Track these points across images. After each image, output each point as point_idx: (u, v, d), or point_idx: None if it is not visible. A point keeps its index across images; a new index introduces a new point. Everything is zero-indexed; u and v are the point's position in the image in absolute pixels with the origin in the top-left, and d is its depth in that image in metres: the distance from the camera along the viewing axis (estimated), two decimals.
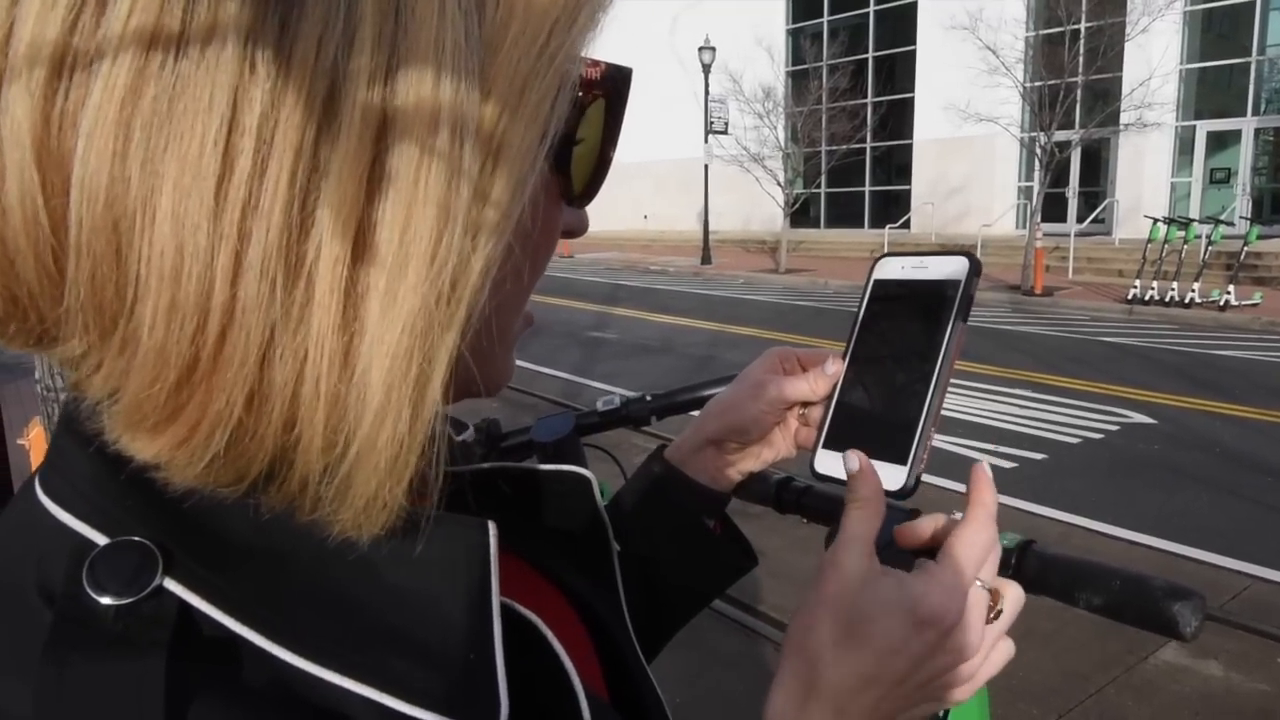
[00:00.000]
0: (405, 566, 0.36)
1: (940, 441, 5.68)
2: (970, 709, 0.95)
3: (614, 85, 0.41)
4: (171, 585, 0.32)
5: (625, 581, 0.59)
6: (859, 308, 0.63)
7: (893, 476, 0.56)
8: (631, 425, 1.31)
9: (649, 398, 1.28)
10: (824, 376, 0.63)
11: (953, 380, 0.58)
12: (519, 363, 0.48)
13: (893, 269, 0.62)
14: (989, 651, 0.53)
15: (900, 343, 0.60)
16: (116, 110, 0.29)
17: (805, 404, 0.65)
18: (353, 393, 0.32)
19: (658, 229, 26.97)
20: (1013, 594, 0.54)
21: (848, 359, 0.62)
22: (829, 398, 0.63)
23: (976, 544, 0.52)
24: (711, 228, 20.06)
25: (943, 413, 0.58)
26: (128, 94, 0.29)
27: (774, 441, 0.69)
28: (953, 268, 0.58)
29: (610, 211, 28.99)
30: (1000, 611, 0.54)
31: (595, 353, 9.24)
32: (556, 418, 1.27)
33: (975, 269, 0.57)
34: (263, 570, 0.34)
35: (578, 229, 0.46)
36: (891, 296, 0.61)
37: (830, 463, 0.60)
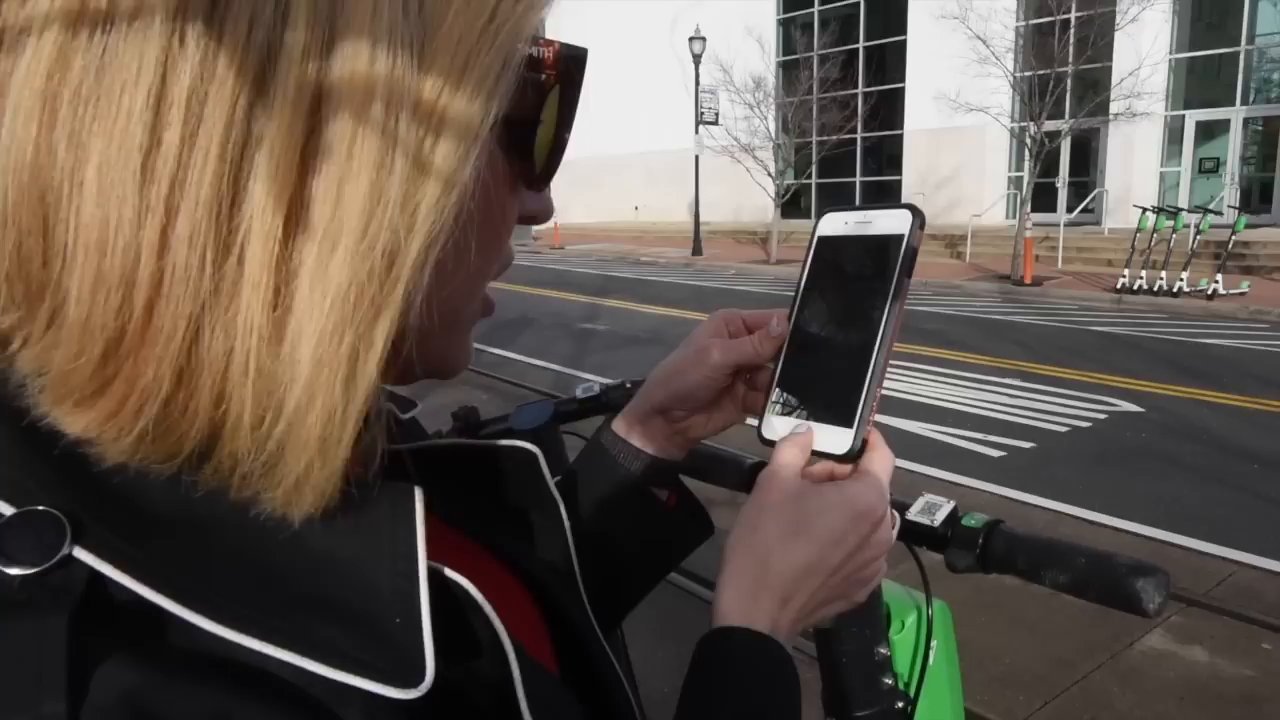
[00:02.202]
0: (332, 534, 0.36)
1: (930, 431, 5.70)
2: (942, 695, 0.95)
3: (568, 66, 0.41)
4: (81, 554, 0.31)
5: (581, 555, 0.59)
6: (803, 266, 0.61)
7: (839, 439, 0.55)
8: (611, 412, 1.30)
9: (629, 384, 1.28)
10: (769, 339, 0.61)
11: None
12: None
13: (836, 225, 0.60)
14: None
15: (845, 302, 0.58)
16: (43, 82, 0.29)
17: (752, 367, 0.64)
18: (282, 369, 0.32)
19: (649, 220, 26.93)
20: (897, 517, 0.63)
21: (793, 320, 0.60)
22: (775, 360, 0.61)
23: (887, 463, 0.58)
24: (702, 219, 20.04)
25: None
26: (54, 66, 0.29)
27: (723, 406, 0.67)
28: (896, 221, 0.56)
29: (601, 203, 28.97)
30: (895, 526, 0.61)
31: (586, 344, 9.22)
32: (535, 405, 1.27)
33: (919, 221, 0.55)
34: (184, 540, 0.34)
35: (540, 214, 0.45)
36: (836, 253, 0.59)
37: (777, 427, 0.58)
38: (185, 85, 0.29)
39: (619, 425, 0.70)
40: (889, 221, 0.57)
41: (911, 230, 0.55)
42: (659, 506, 0.70)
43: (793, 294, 0.61)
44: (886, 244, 0.56)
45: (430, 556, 0.37)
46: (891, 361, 0.56)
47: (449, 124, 0.33)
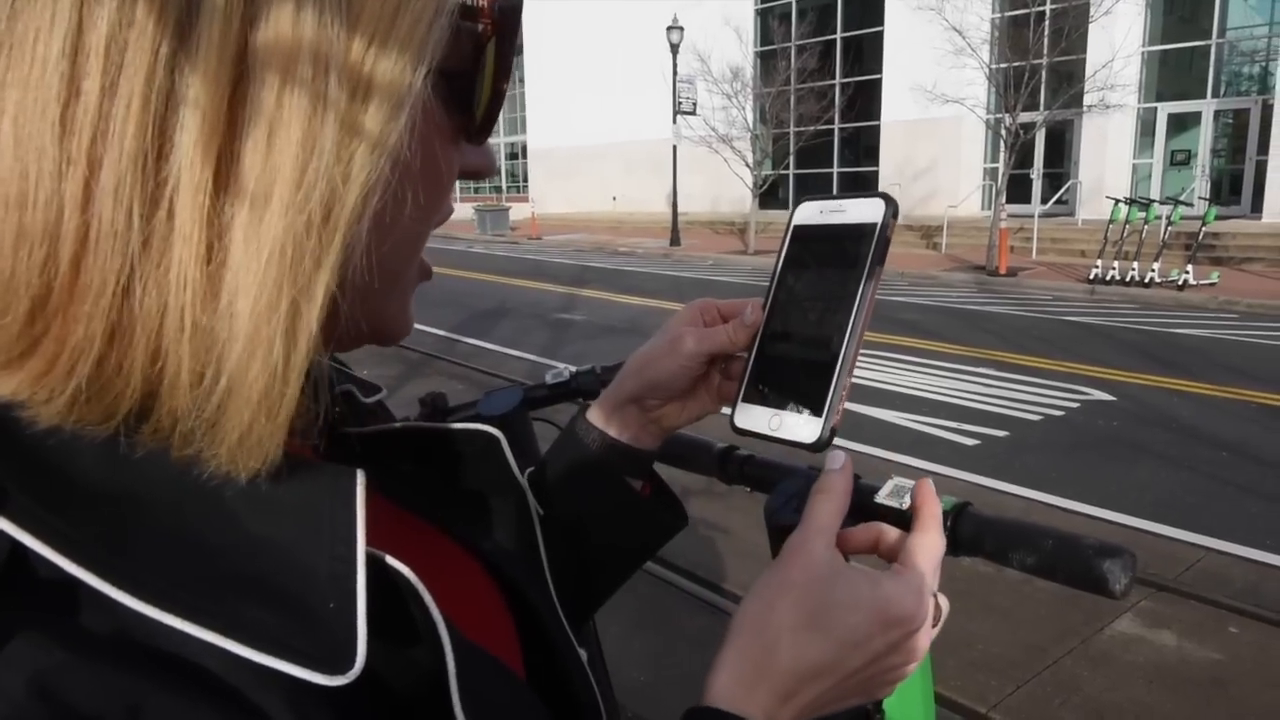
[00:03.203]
0: (268, 514, 0.35)
1: (906, 420, 5.74)
2: (911, 682, 0.95)
3: (504, 17, 0.40)
4: (2, 524, 0.30)
5: (553, 546, 0.58)
6: (779, 255, 0.60)
7: (808, 428, 0.54)
8: (581, 398, 1.29)
9: (599, 370, 1.26)
10: (743, 327, 0.61)
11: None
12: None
13: (811, 214, 0.60)
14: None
15: (818, 290, 0.58)
16: None
17: (727, 356, 0.63)
18: (220, 324, 0.31)
19: (626, 210, 26.91)
20: (944, 604, 0.56)
21: (767, 309, 0.60)
22: (750, 349, 0.60)
23: (935, 552, 0.54)
24: (680, 209, 20.05)
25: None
26: None
27: (698, 396, 0.66)
28: (869, 211, 0.56)
29: (579, 193, 28.92)
30: (938, 618, 0.54)
31: (563, 334, 9.21)
32: (504, 391, 1.25)
33: (892, 211, 0.55)
34: (112, 513, 0.33)
35: (484, 169, 0.45)
36: (810, 242, 0.59)
37: (750, 417, 0.58)
38: (103, 33, 0.28)
39: (593, 414, 0.69)
40: (863, 210, 0.56)
41: (885, 219, 0.55)
42: (632, 496, 0.69)
43: (768, 281, 0.60)
44: (860, 232, 0.56)
45: (377, 539, 0.36)
46: (868, 351, 0.56)
47: (380, 74, 0.32)
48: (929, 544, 0.54)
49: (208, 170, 0.30)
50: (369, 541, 0.36)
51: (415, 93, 0.34)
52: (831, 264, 0.57)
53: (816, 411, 0.54)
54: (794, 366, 0.58)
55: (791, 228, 0.61)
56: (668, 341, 0.64)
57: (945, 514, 0.68)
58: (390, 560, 0.38)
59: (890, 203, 0.55)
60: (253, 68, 0.30)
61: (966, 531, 0.68)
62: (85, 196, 0.29)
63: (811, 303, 0.58)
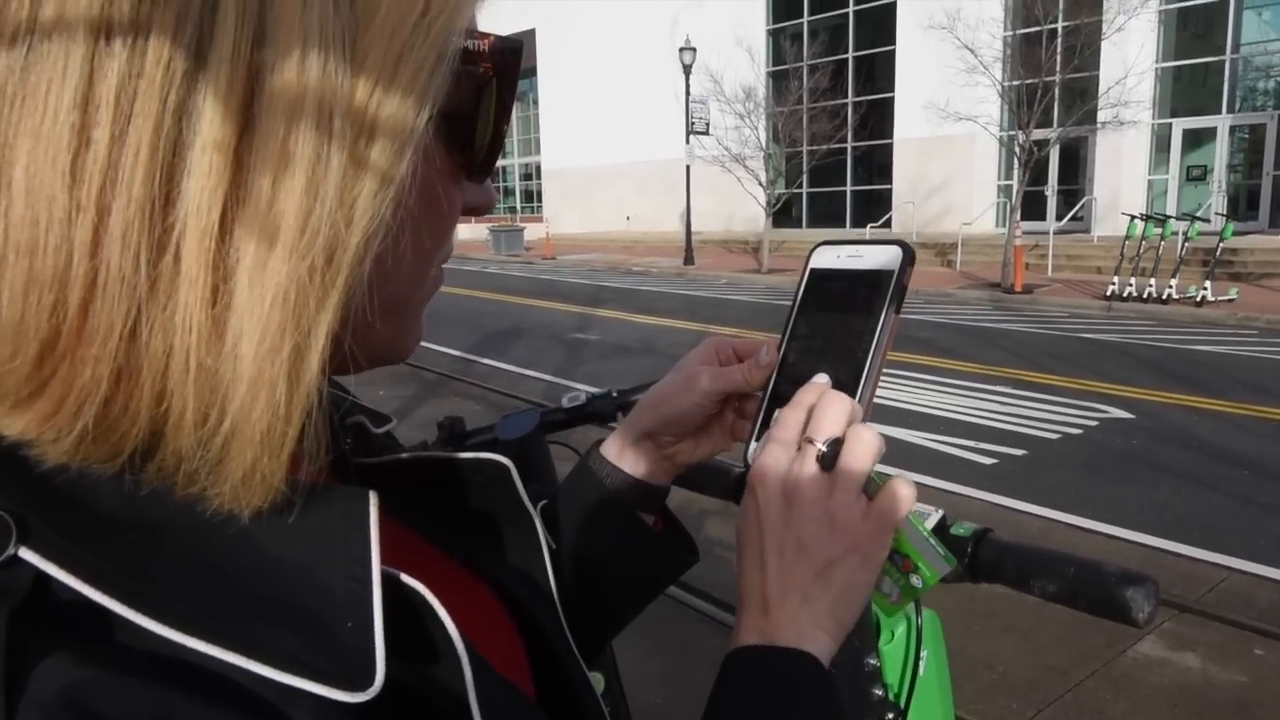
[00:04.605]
0: (284, 537, 0.35)
1: (923, 439, 5.70)
2: (932, 705, 0.94)
3: (504, 58, 0.41)
4: (27, 555, 0.31)
5: (565, 578, 0.59)
6: (795, 297, 0.62)
7: None
8: (597, 421, 1.29)
9: (615, 393, 1.27)
10: (758, 367, 0.61)
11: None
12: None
13: (828, 258, 0.61)
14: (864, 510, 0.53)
15: (835, 334, 0.59)
16: None
17: (741, 395, 0.64)
18: (224, 366, 0.32)
19: (640, 230, 26.98)
20: (862, 435, 0.54)
21: (783, 349, 0.61)
22: (764, 389, 0.61)
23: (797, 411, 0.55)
24: (694, 228, 20.08)
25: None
26: None
27: (712, 433, 0.67)
28: (887, 257, 0.57)
29: (593, 213, 29.03)
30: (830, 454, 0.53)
31: (578, 354, 9.22)
32: (521, 415, 1.26)
33: (908, 258, 0.56)
34: (132, 541, 0.33)
35: (483, 205, 0.46)
36: (827, 286, 0.60)
37: None
38: (113, 83, 0.29)
39: (607, 449, 0.70)
40: (880, 257, 0.57)
41: (902, 267, 0.56)
42: (645, 532, 0.69)
43: (784, 323, 0.61)
44: (877, 279, 0.57)
45: (391, 563, 0.37)
46: (883, 369, 0.56)
47: (384, 119, 0.33)
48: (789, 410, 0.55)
49: (214, 215, 0.30)
50: (383, 561, 0.36)
51: (418, 136, 0.34)
52: (848, 309, 0.58)
53: None
54: None
55: (808, 271, 0.62)
56: (683, 379, 0.65)
57: (966, 540, 0.68)
58: (406, 578, 0.39)
59: (907, 250, 0.56)
60: (258, 115, 0.31)
61: (988, 558, 0.67)
62: (94, 242, 0.30)
63: (827, 346, 0.59)
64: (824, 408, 0.54)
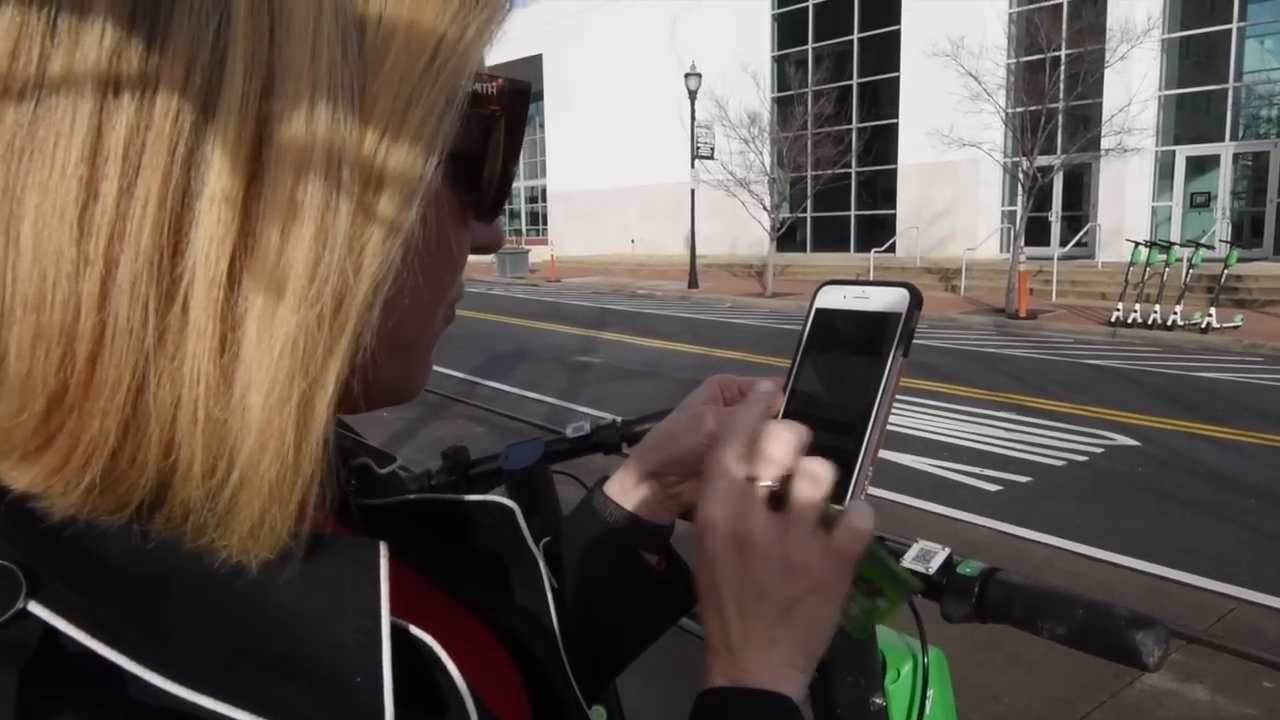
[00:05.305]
0: (292, 589, 0.35)
1: (927, 465, 5.68)
2: None
3: (512, 100, 0.40)
4: (36, 609, 0.31)
5: (568, 617, 0.58)
6: (800, 337, 0.61)
7: None
8: (602, 451, 1.29)
9: (619, 423, 1.27)
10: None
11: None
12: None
13: (834, 299, 0.60)
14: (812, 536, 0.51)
15: (840, 375, 0.58)
16: None
17: None
18: (233, 417, 0.31)
19: (645, 253, 27.07)
20: (812, 469, 0.51)
21: (788, 389, 0.60)
22: None
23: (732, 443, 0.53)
24: (698, 252, 20.15)
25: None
26: None
27: None
28: (894, 299, 0.56)
29: (597, 236, 29.14)
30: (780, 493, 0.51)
31: (582, 377, 9.21)
32: (525, 445, 1.25)
33: (916, 301, 0.55)
34: (140, 595, 0.33)
35: (492, 244, 0.45)
36: (833, 326, 0.59)
37: None
38: (121, 136, 0.29)
39: (611, 488, 0.69)
40: (887, 299, 0.56)
41: (909, 311, 0.55)
42: (647, 571, 0.68)
43: (790, 362, 0.60)
44: (884, 321, 0.56)
45: (398, 611, 0.37)
46: (890, 413, 0.55)
47: (392, 165, 0.33)
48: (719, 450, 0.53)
49: (222, 265, 0.30)
50: (391, 612, 0.36)
51: (426, 183, 0.34)
52: (854, 350, 0.57)
53: (838, 499, 0.53)
54: (816, 449, 0.56)
55: (814, 311, 0.61)
56: (688, 419, 0.64)
57: (973, 580, 0.67)
58: (414, 630, 0.38)
59: (915, 294, 0.55)
60: (267, 165, 0.31)
61: (995, 598, 0.67)
62: (102, 295, 0.29)
63: (833, 387, 0.58)
64: (770, 439, 0.51)
